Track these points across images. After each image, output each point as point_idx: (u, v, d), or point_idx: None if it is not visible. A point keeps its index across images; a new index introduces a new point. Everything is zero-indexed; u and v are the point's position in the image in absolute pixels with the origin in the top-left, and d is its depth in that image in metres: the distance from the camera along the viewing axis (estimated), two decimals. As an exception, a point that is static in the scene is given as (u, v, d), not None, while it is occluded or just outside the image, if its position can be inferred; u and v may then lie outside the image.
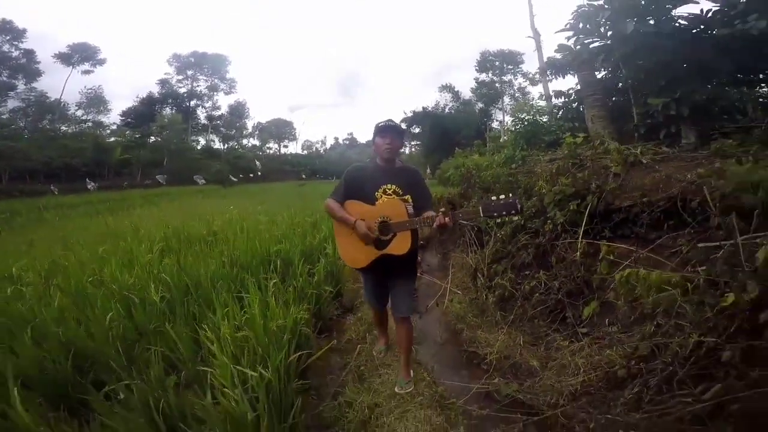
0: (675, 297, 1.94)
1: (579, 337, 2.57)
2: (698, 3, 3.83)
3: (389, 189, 2.30)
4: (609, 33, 4.24)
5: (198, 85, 50.92)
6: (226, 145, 54.52)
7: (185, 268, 3.19)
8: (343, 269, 4.15)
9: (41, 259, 4.14)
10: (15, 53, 37.21)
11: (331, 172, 44.78)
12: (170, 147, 38.21)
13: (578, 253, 2.70)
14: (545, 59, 9.39)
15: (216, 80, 52.11)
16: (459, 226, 4.80)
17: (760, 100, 3.87)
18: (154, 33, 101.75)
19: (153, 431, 1.70)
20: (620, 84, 5.04)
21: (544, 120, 6.82)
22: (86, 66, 42.62)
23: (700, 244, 2.03)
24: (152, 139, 40.54)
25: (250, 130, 59.93)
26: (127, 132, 41.54)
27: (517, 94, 32.99)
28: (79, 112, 42.71)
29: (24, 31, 37.36)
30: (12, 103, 37.15)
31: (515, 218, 2.06)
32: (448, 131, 20.41)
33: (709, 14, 3.70)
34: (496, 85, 34.66)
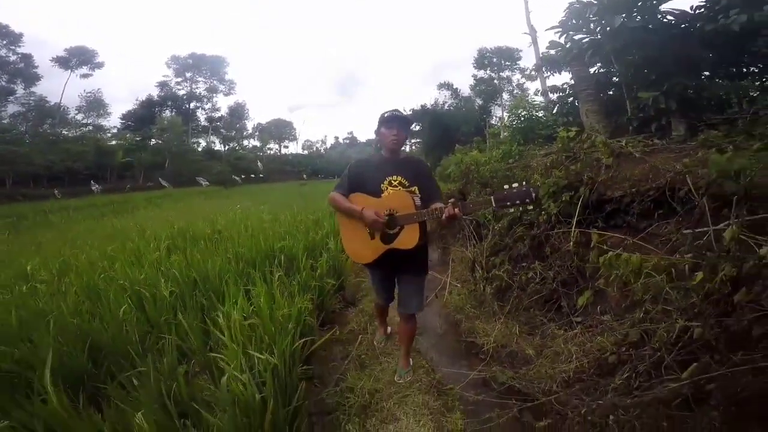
0: (662, 283, 2.03)
1: (573, 326, 2.64)
2: (686, -3, 3.92)
3: (395, 181, 2.22)
4: (598, 29, 4.31)
5: (197, 87, 51.18)
6: (226, 147, 54.74)
7: (193, 264, 3.30)
8: (345, 263, 4.25)
9: (52, 259, 4.25)
10: (13, 58, 37.31)
11: (332, 171, 44.93)
12: (171, 149, 38.40)
13: (571, 242, 2.79)
14: (540, 55, 9.44)
15: (215, 82, 52.36)
16: (458, 221, 4.88)
17: (741, 92, 3.96)
18: (152, 35, 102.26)
19: (165, 415, 1.81)
20: (615, 78, 5.11)
21: (540, 115, 6.90)
22: (84, 69, 42.87)
23: (684, 231, 2.11)
24: (153, 141, 40.73)
25: (250, 130, 60.25)
26: (128, 135, 41.76)
27: (515, 90, 33.09)
28: (79, 116, 42.89)
29: (21, 35, 37.50)
30: (12, 108, 37.34)
31: (530, 207, 1.97)
32: (447, 128, 20.41)
33: (698, 10, 3.78)
34: (495, 81, 34.78)
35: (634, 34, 3.85)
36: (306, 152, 69.93)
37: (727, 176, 2.03)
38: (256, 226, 5.33)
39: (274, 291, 2.67)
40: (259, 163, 45.72)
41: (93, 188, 27.28)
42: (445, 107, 27.40)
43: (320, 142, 75.97)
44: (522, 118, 6.85)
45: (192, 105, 50.75)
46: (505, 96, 33.69)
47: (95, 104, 43.39)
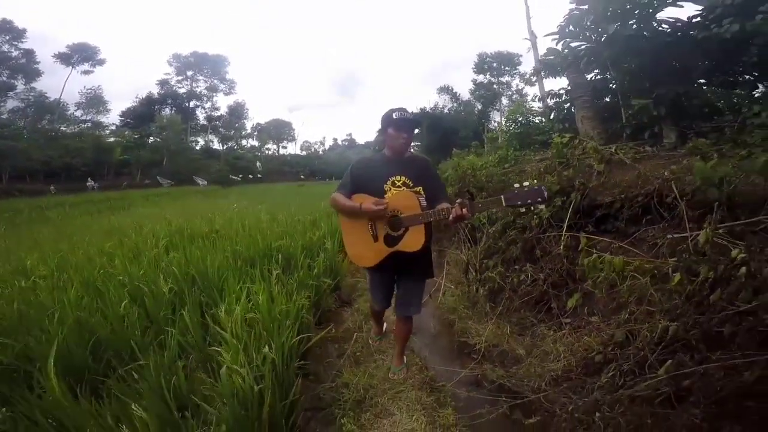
0: (646, 285, 2.11)
1: (562, 327, 2.70)
2: (682, 6, 4.00)
3: (398, 181, 2.16)
4: (594, 36, 4.41)
5: (197, 86, 51.28)
6: (224, 146, 54.72)
7: (192, 261, 3.35)
8: (341, 263, 4.31)
9: (50, 254, 4.29)
10: (15, 53, 37.38)
11: (330, 172, 44.96)
12: (170, 147, 38.38)
13: (562, 246, 2.87)
14: (539, 59, 9.57)
15: (215, 81, 52.49)
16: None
17: (734, 100, 4.04)
18: (155, 33, 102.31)
19: (165, 407, 1.86)
20: (612, 85, 5.21)
21: (537, 121, 7.01)
22: (86, 66, 42.99)
23: (668, 236, 2.19)
24: (151, 139, 40.70)
25: (248, 130, 60.21)
26: (127, 132, 41.72)
27: (514, 96, 33.29)
28: (78, 113, 42.93)
29: (24, 31, 37.61)
30: (11, 103, 37.38)
31: (541, 207, 1.91)
32: (446, 132, 20.55)
33: (694, 19, 3.87)
34: (494, 86, 34.96)
35: (628, 41, 3.93)
36: (304, 153, 69.99)
37: (710, 183, 2.11)
38: (254, 225, 5.38)
39: (273, 288, 2.73)
40: (257, 163, 45.74)
41: (89, 185, 27.23)
42: (445, 110, 27.62)
43: (319, 143, 76.06)
44: (519, 124, 6.95)
45: (192, 104, 50.86)
46: (505, 101, 33.88)
47: (95, 101, 43.45)
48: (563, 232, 2.95)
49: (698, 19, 3.80)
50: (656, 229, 2.49)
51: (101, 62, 43.65)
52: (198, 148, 49.92)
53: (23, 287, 3.03)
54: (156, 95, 48.37)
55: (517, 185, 1.84)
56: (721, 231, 1.90)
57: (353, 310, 3.71)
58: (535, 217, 3.22)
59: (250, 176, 41.18)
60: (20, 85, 37.64)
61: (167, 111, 46.73)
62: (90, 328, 2.34)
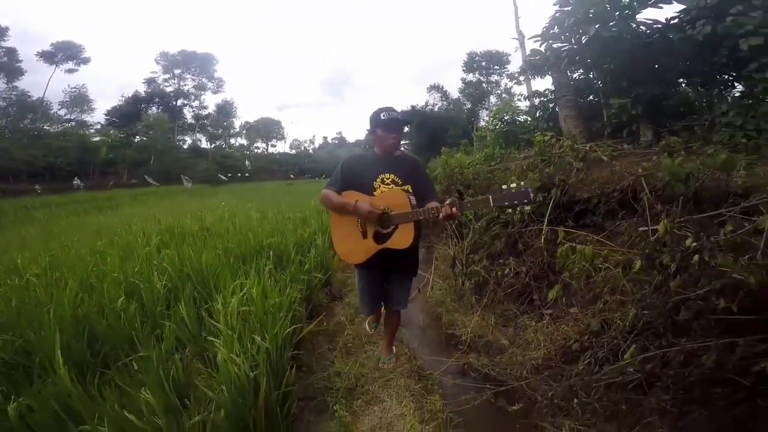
0: (618, 276, 2.25)
1: (544, 317, 2.85)
2: (662, 8, 4.16)
3: (387, 179, 2.19)
4: (575, 38, 4.56)
5: (185, 84, 50.64)
6: (212, 145, 54.17)
7: (185, 258, 3.42)
8: (332, 259, 4.40)
9: (41, 254, 4.29)
10: (-4, 51, 36.48)
11: (319, 171, 44.87)
12: (157, 146, 37.89)
13: (542, 239, 3.00)
14: (525, 59, 9.74)
15: (203, 79, 51.91)
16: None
17: (711, 100, 4.21)
18: (142, 32, 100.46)
19: (164, 396, 1.94)
20: (598, 83, 5.37)
21: (523, 119, 7.17)
22: (70, 65, 42.05)
23: (640, 228, 2.34)
24: (138, 138, 40.13)
25: (237, 129, 59.66)
26: (112, 131, 41.04)
27: (503, 95, 33.60)
28: (62, 111, 42.07)
29: (6, 29, 36.68)
30: (-9, 103, 36.43)
31: (527, 208, 1.97)
32: (435, 130, 20.69)
33: (672, 21, 4.03)
34: (483, 85, 35.24)
35: (608, 43, 4.08)
36: (294, 152, 69.78)
37: (678, 179, 2.25)
38: (245, 223, 5.44)
39: (265, 282, 2.81)
40: (246, 162, 45.41)
41: (75, 184, 26.78)
42: (435, 109, 27.78)
43: (308, 142, 75.87)
44: (505, 122, 7.10)
45: (179, 102, 50.21)
46: (493, 99, 34.19)
47: (79, 100, 42.62)
48: (544, 227, 3.09)
49: (675, 21, 3.96)
50: (629, 223, 2.63)
51: (86, 61, 42.92)
52: (186, 146, 49.40)
53: (18, 285, 3.06)
54: (143, 94, 47.65)
55: (504, 186, 1.90)
56: (682, 222, 2.05)
57: (344, 304, 3.81)
58: (517, 212, 3.35)
59: (239, 175, 40.88)
60: (1, 83, 36.80)
61: (154, 110, 46.02)
62: (88, 324, 2.40)
